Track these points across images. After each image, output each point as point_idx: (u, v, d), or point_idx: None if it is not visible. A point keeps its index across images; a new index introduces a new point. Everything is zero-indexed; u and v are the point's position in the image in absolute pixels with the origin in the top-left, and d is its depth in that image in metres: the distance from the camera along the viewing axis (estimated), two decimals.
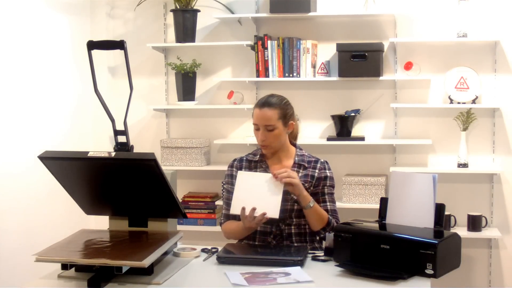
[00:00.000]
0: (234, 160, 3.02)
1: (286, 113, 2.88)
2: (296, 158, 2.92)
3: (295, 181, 2.69)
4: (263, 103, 2.85)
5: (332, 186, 2.95)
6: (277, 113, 2.84)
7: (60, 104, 4.33)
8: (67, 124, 4.41)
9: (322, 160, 2.96)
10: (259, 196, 2.70)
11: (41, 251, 2.27)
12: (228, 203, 2.89)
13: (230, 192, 2.90)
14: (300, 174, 2.88)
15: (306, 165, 2.91)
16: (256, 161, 2.94)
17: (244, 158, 2.99)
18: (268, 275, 2.33)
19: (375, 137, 4.48)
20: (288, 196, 2.83)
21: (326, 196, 2.90)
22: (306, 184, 2.85)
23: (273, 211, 2.62)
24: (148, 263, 2.16)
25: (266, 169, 2.90)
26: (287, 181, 2.67)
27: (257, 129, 2.86)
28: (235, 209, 2.69)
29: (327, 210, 2.87)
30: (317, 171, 2.90)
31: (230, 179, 2.96)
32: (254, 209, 2.64)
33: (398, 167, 4.33)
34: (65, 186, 2.48)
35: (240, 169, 2.94)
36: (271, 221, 2.87)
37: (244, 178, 2.75)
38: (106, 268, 2.18)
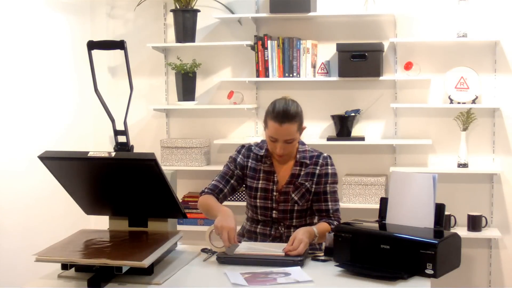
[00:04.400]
0: (243, 146, 2.94)
1: (302, 121, 2.80)
2: (298, 156, 2.85)
3: (303, 248, 2.56)
4: (283, 117, 2.70)
5: (335, 183, 2.87)
6: (297, 125, 2.75)
7: (60, 104, 4.33)
8: (67, 124, 4.41)
9: (325, 155, 2.87)
10: (265, 245, 2.72)
11: (41, 251, 2.27)
12: (223, 177, 2.89)
13: (230, 169, 2.89)
14: (302, 173, 2.84)
15: (308, 161, 2.84)
16: (262, 155, 2.88)
17: (253, 148, 2.91)
18: (268, 275, 2.33)
19: (375, 137, 4.48)
20: (289, 197, 2.82)
21: (328, 196, 2.84)
22: (307, 183, 2.82)
23: (279, 251, 2.58)
24: (148, 263, 2.16)
25: (270, 166, 2.85)
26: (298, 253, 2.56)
27: (273, 141, 2.76)
28: (240, 250, 2.61)
29: (328, 210, 2.83)
30: (318, 167, 2.84)
31: (234, 162, 2.90)
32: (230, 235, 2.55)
33: (398, 167, 4.34)
34: (65, 186, 2.48)
35: (248, 158, 2.88)
36: (270, 224, 2.87)
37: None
38: (106, 268, 2.18)
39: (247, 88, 4.61)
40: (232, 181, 2.89)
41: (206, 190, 2.87)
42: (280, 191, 2.84)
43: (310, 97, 4.53)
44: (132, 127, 4.17)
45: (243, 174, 2.90)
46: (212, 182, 2.90)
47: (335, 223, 2.80)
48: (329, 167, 2.86)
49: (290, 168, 2.86)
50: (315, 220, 2.90)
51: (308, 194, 2.84)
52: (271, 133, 2.75)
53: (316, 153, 2.88)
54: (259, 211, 2.87)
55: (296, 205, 2.82)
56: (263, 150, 2.88)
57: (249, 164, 2.89)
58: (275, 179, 2.85)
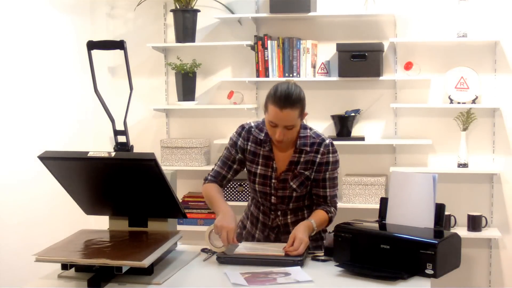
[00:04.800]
0: (243, 128, 2.83)
1: (304, 106, 2.67)
2: (298, 142, 2.74)
3: (304, 248, 2.55)
4: (284, 102, 2.58)
5: (335, 169, 2.78)
6: (298, 111, 2.63)
7: (60, 104, 4.33)
8: (67, 124, 4.41)
9: (327, 142, 2.76)
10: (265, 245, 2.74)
11: (41, 251, 2.27)
12: (224, 162, 2.84)
13: (231, 153, 2.82)
14: (301, 160, 2.75)
15: (308, 148, 2.74)
16: (261, 139, 2.79)
17: (252, 130, 2.81)
18: (268, 275, 2.33)
19: (375, 137, 4.48)
20: (287, 185, 2.77)
21: (327, 182, 2.77)
22: (307, 172, 2.75)
23: (279, 251, 2.59)
24: (148, 263, 2.16)
25: (269, 151, 2.77)
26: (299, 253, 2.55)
27: (273, 126, 2.66)
28: (240, 250, 2.62)
29: (325, 197, 2.78)
30: (319, 156, 2.74)
31: (235, 146, 2.82)
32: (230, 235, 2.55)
33: (398, 167, 4.34)
34: (65, 186, 2.48)
35: (247, 141, 2.80)
36: (269, 211, 2.85)
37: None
38: (106, 268, 2.18)
39: (247, 88, 4.61)
40: (234, 166, 2.84)
41: (209, 177, 2.84)
42: (279, 178, 2.78)
43: (310, 97, 4.42)
44: (132, 127, 4.17)
45: (244, 158, 2.83)
46: (215, 169, 2.86)
47: (332, 209, 2.78)
48: (331, 155, 2.76)
49: (290, 155, 2.77)
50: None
51: (307, 181, 2.78)
52: (270, 118, 2.64)
53: (318, 140, 2.77)
54: (258, 195, 2.85)
55: (294, 192, 2.78)
56: (263, 134, 2.79)
57: (249, 148, 2.81)
58: (274, 166, 2.78)
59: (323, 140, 2.77)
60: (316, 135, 2.79)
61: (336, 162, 2.79)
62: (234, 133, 2.85)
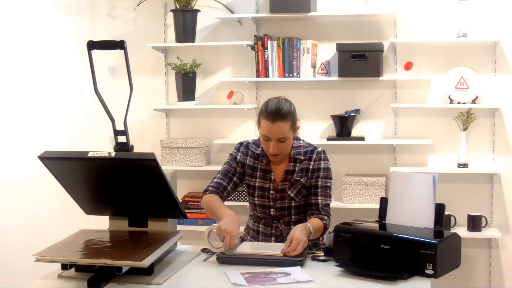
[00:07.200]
0: (241, 144, 2.95)
1: (295, 120, 2.81)
2: (292, 152, 2.85)
3: (302, 248, 2.55)
4: (275, 116, 2.71)
5: (327, 178, 2.85)
6: (289, 124, 2.75)
7: (60, 104, 4.33)
8: (67, 124, 4.41)
9: (319, 150, 2.87)
10: (265, 245, 2.77)
11: (41, 251, 2.27)
12: (225, 174, 2.89)
13: (232, 166, 2.89)
14: (296, 169, 2.84)
15: (302, 157, 2.84)
16: (258, 154, 2.89)
17: (250, 146, 2.92)
18: (268, 275, 2.33)
19: (375, 137, 4.48)
20: (285, 194, 2.83)
21: (319, 190, 2.82)
22: (302, 179, 2.82)
23: (279, 252, 2.59)
24: (148, 263, 2.16)
25: (267, 164, 2.86)
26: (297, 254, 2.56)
27: (267, 140, 2.77)
28: (241, 249, 2.63)
29: (317, 204, 2.81)
30: (312, 163, 2.84)
31: (235, 160, 2.91)
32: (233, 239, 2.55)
33: (398, 167, 4.34)
34: (65, 186, 2.48)
35: (246, 156, 2.90)
36: (270, 222, 2.88)
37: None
38: (106, 268, 2.18)
39: (247, 88, 4.61)
40: (234, 178, 2.89)
41: (210, 188, 2.87)
42: (277, 188, 2.85)
43: (310, 97, 4.53)
44: (132, 127, 4.16)
45: (244, 172, 2.91)
46: (215, 180, 2.89)
47: (326, 218, 2.79)
48: (322, 162, 2.85)
49: (285, 165, 2.86)
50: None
51: (304, 189, 2.84)
52: (263, 132, 2.76)
53: (310, 148, 2.88)
54: (258, 209, 2.89)
55: (292, 201, 2.83)
56: (260, 149, 2.89)
57: (248, 162, 2.90)
58: (272, 178, 2.86)
59: (316, 148, 2.90)
60: (308, 145, 2.91)
61: (327, 170, 2.87)
62: (234, 149, 2.96)
